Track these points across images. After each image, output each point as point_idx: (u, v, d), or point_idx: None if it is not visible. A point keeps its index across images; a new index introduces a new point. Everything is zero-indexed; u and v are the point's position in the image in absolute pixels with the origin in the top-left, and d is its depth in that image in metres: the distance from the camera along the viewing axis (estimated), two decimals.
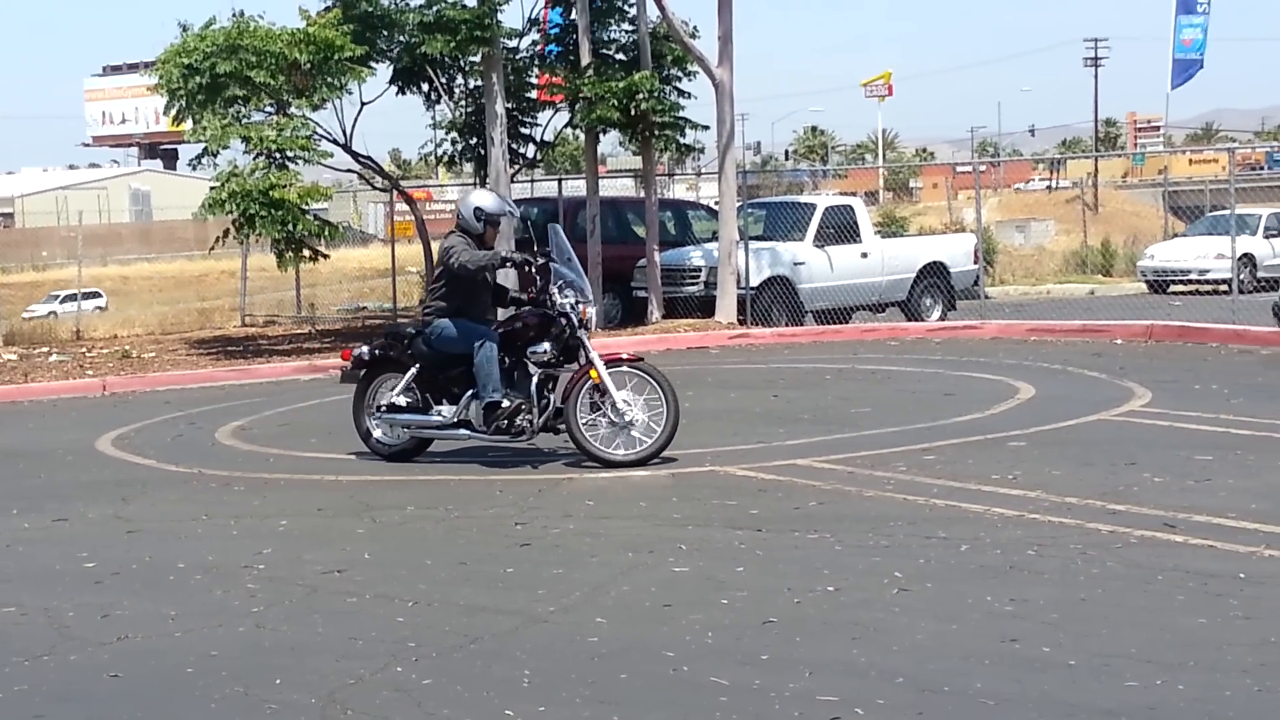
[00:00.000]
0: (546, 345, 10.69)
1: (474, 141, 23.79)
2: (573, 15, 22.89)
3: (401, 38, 22.23)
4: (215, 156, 21.24)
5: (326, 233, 21.34)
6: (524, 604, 6.88)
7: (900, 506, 8.75)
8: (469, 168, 25.36)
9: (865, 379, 15.49)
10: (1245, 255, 26.78)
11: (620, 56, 23.36)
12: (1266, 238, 29.47)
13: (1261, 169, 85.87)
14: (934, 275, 23.22)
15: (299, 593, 7.30)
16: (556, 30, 24.02)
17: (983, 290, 22.99)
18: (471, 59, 22.64)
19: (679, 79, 23.76)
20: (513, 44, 23.52)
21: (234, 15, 21.07)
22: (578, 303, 10.71)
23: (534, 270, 10.85)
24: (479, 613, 6.77)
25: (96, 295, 48.66)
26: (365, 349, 11.51)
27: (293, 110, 21.07)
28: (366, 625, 6.63)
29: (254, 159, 20.78)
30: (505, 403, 10.61)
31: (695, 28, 23.46)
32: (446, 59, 22.36)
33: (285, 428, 13.80)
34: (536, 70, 24.44)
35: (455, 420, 10.90)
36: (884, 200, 73.53)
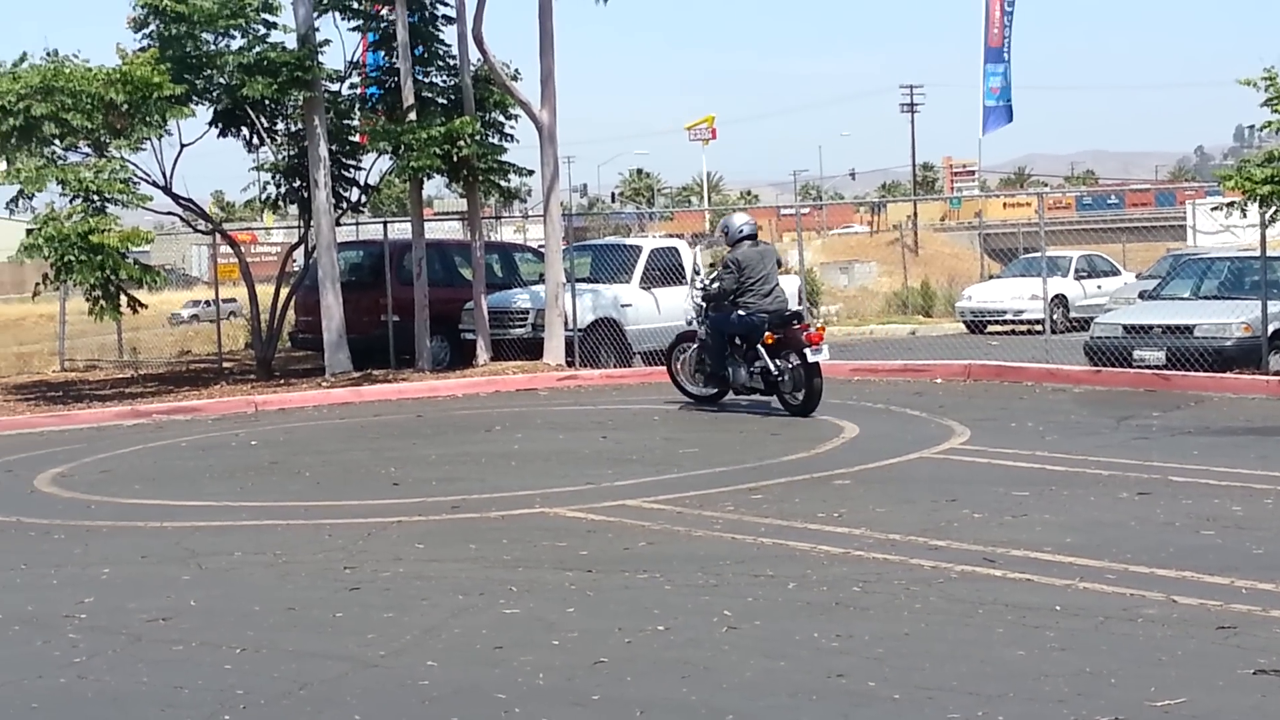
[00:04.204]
0: None
1: (297, 184, 23.57)
2: (394, 59, 22.83)
3: (221, 79, 21.94)
4: (31, 199, 20.73)
5: (148, 278, 20.91)
6: (354, 649, 6.84)
7: (728, 545, 8.86)
8: (294, 210, 25.11)
9: (693, 419, 15.64)
10: (1058, 296, 27.57)
11: (442, 100, 23.33)
12: (1077, 279, 30.33)
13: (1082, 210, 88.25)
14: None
15: (122, 642, 7.17)
16: (377, 73, 23.94)
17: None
18: (293, 102, 22.45)
19: (501, 123, 23.80)
20: (335, 87, 23.38)
21: (47, 54, 20.63)
22: None
23: None
24: (308, 658, 6.72)
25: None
26: None
27: (111, 152, 20.67)
28: (192, 674, 6.54)
29: (71, 202, 20.32)
30: None
31: (517, 70, 23.54)
32: (268, 101, 22.13)
33: (107, 474, 13.52)
34: (359, 113, 24.31)
35: None
36: (711, 240, 74.18)
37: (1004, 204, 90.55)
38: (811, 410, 15.35)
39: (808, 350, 15.29)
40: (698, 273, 17.06)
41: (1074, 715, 5.55)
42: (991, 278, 35.02)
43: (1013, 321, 29.01)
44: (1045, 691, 5.84)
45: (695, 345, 16.66)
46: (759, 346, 15.68)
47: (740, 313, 15.85)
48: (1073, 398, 16.37)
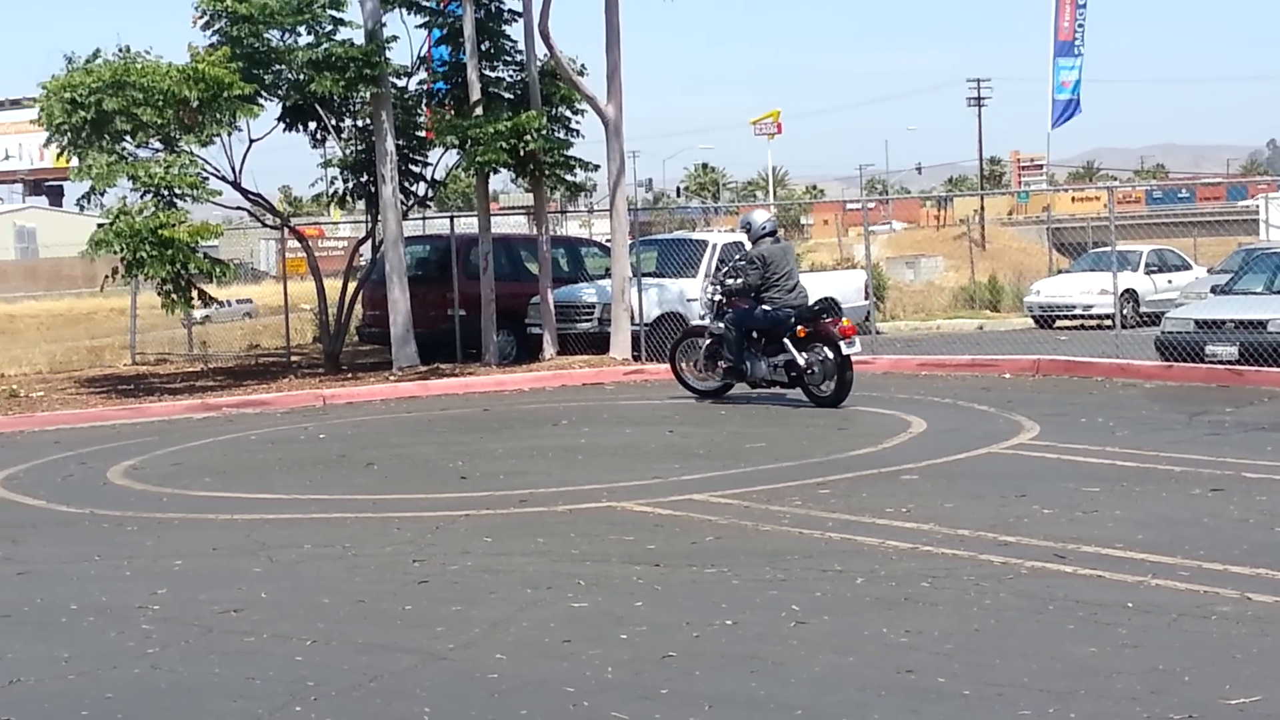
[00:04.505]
0: None
1: (364, 179, 23.71)
2: (460, 54, 22.91)
3: (290, 75, 22.09)
4: (102, 195, 20.94)
5: (217, 271, 21.09)
6: (423, 641, 6.87)
7: (796, 540, 8.84)
8: (361, 205, 25.25)
9: (759, 414, 15.61)
10: (1127, 291, 27.28)
11: (508, 95, 23.40)
12: (1147, 273, 30.02)
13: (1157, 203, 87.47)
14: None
15: (195, 633, 7.24)
16: (444, 69, 24.03)
17: (874, 325, 23.24)
18: (360, 98, 22.57)
19: (568, 117, 23.85)
20: (401, 83, 23.48)
21: (119, 50, 20.84)
22: None
23: None
24: (378, 651, 6.75)
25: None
26: None
27: (181, 147, 20.85)
28: (264, 665, 6.59)
29: (141, 197, 20.52)
30: None
31: (583, 65, 23.58)
32: (335, 97, 22.27)
33: (178, 467, 13.65)
34: (425, 108, 24.41)
35: None
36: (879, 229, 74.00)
37: (1072, 198, 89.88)
38: (841, 401, 15.67)
39: (842, 343, 15.66)
40: (720, 268, 17.13)
41: (1147, 713, 5.50)
42: (1060, 272, 34.74)
43: (1082, 316, 28.77)
44: (1117, 689, 5.79)
45: (708, 341, 16.80)
46: (785, 340, 15.91)
47: (765, 308, 16.14)
48: (1143, 393, 16.22)
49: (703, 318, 17.07)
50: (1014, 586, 7.46)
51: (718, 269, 17.09)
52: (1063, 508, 9.51)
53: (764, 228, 16.41)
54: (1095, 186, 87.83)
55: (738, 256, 17.45)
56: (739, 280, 16.38)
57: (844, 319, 16.34)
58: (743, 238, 17.75)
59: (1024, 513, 9.39)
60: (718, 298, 16.75)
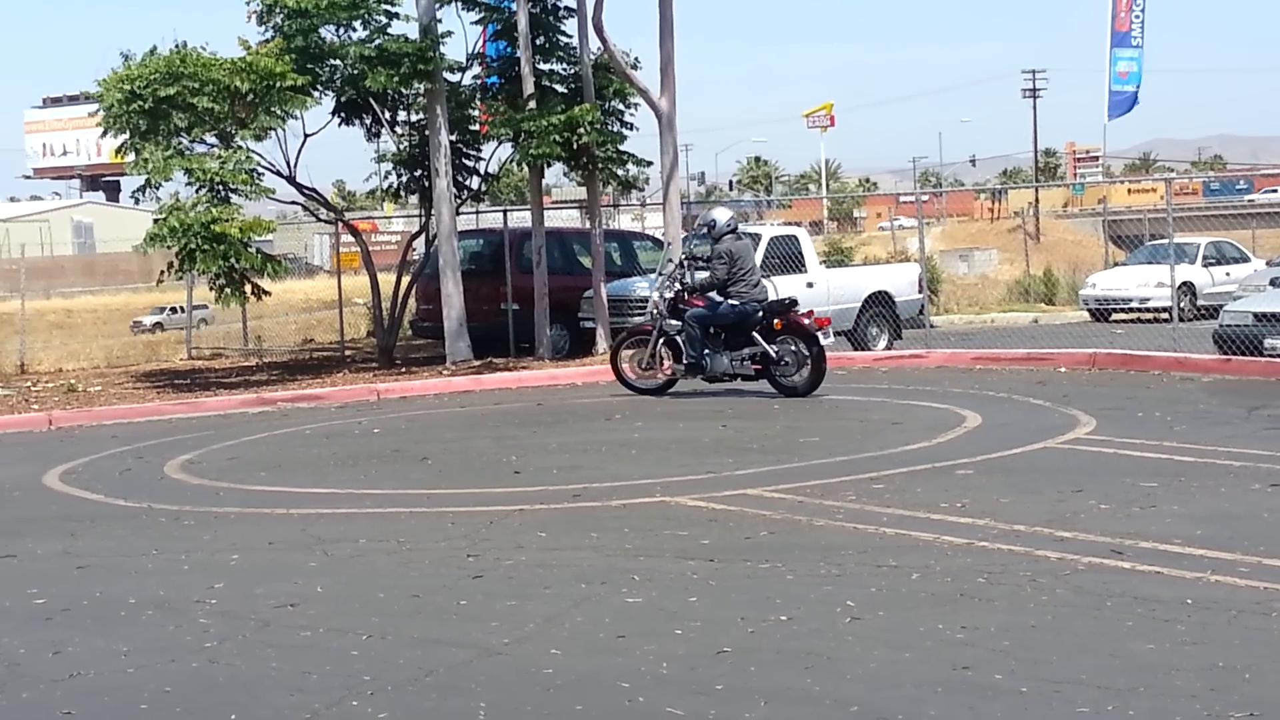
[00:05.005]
0: None
1: (418, 173, 23.79)
2: (514, 49, 22.95)
3: (344, 70, 22.20)
4: (158, 189, 21.10)
5: (270, 267, 21.22)
6: (478, 636, 6.88)
7: (851, 535, 8.81)
8: (414, 199, 25.35)
9: (813, 408, 15.56)
10: (1185, 284, 27.08)
11: (562, 89, 23.43)
12: (1205, 266, 29.81)
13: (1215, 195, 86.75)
14: (879, 305, 23.37)
15: (252, 627, 7.28)
16: (498, 63, 24.09)
17: (928, 319, 23.16)
18: (414, 92, 22.65)
19: (621, 111, 23.86)
20: (455, 77, 23.55)
21: (175, 45, 21.00)
22: None
23: None
24: (433, 645, 6.77)
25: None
26: None
27: (236, 142, 20.99)
28: (320, 659, 6.62)
29: (196, 191, 20.67)
30: None
31: (636, 59, 23.59)
32: (389, 92, 22.35)
33: (234, 461, 13.74)
34: (479, 103, 24.48)
35: None
36: (828, 230, 73.88)
37: (1129, 190, 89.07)
38: (813, 391, 16.23)
39: (819, 334, 16.44)
40: (682, 266, 17.34)
41: (1207, 711, 5.45)
42: (1116, 265, 34.53)
43: (1138, 309, 28.60)
44: (1177, 686, 5.74)
45: (657, 339, 17.05)
46: (754, 333, 16.35)
47: (733, 302, 16.54)
48: (1201, 387, 16.07)
49: (664, 316, 17.08)
50: (1071, 583, 7.41)
51: (677, 268, 17.21)
52: (1120, 503, 9.44)
53: (728, 225, 16.82)
54: (1152, 178, 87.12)
55: (683, 256, 17.88)
56: (706, 276, 16.72)
57: (813, 312, 16.96)
58: (701, 238, 18.21)
59: (1080, 508, 9.33)
60: (669, 295, 17.02)
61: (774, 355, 16.27)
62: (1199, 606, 6.86)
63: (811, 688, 5.91)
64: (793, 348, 16.32)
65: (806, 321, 16.36)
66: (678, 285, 16.97)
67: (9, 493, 12.36)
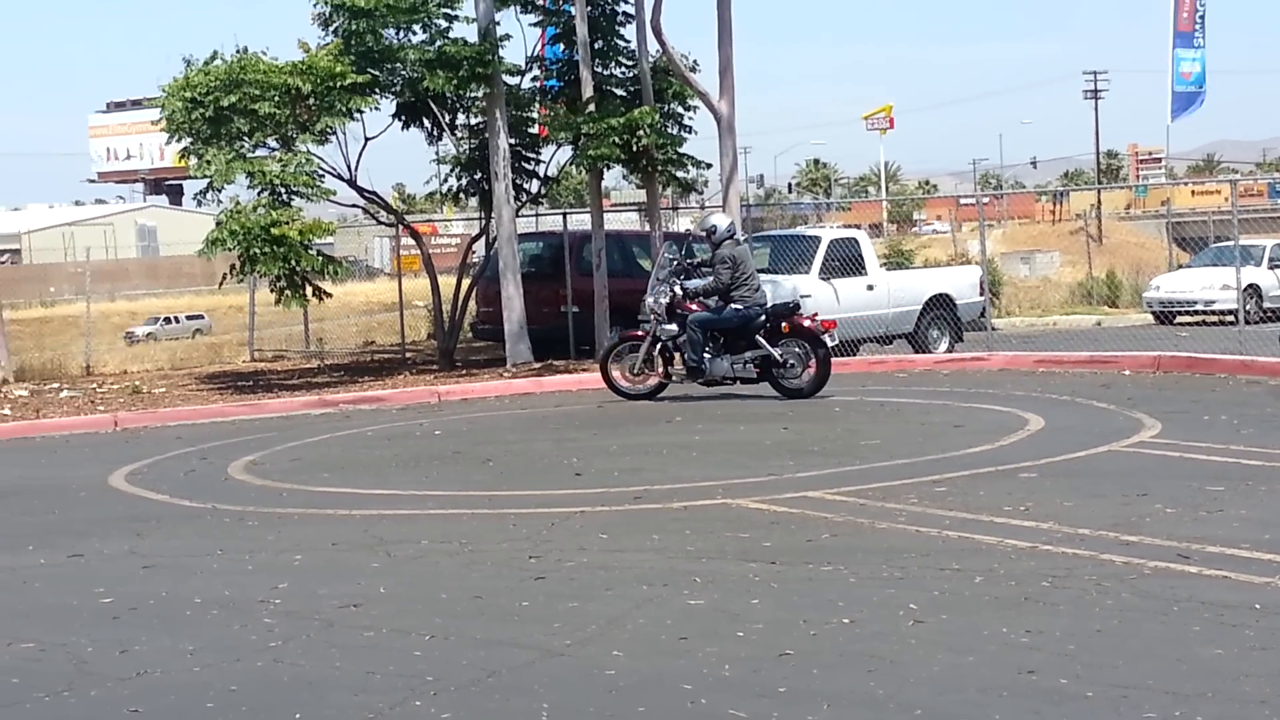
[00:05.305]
0: None
1: (477, 176, 23.88)
2: (573, 52, 22.99)
3: (403, 73, 22.32)
4: (219, 192, 21.27)
5: (330, 269, 21.35)
6: (540, 637, 6.90)
7: (913, 538, 8.77)
8: (474, 202, 25.44)
9: (874, 411, 15.52)
10: (1250, 286, 26.83)
11: (621, 92, 23.45)
12: (1271, 268, 29.49)
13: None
14: (940, 307, 23.25)
15: (315, 627, 7.32)
16: (557, 66, 24.14)
17: (989, 322, 23.03)
18: (474, 95, 22.73)
19: (680, 113, 23.87)
20: (514, 81, 23.61)
21: (237, 50, 21.17)
22: None
23: None
24: (496, 646, 6.79)
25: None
26: None
27: (297, 145, 21.13)
28: (384, 659, 6.65)
29: (258, 195, 20.81)
30: None
31: (695, 61, 23.61)
32: (449, 95, 22.44)
33: (297, 462, 13.83)
34: (538, 106, 24.54)
35: None
36: (888, 232, 73.63)
37: (1192, 191, 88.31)
38: (817, 392, 16.53)
39: (825, 337, 16.65)
40: (681, 269, 17.41)
41: (1276, 717, 5.39)
42: (1180, 267, 34.22)
43: (1203, 312, 28.35)
44: (1245, 692, 5.68)
45: (658, 344, 17.15)
46: (758, 336, 16.57)
47: (737, 307, 16.71)
48: (1268, 390, 15.90)
49: (648, 321, 17.09)
50: (1137, 587, 7.34)
51: (672, 273, 17.22)
52: (1186, 507, 9.35)
53: (728, 231, 17.03)
54: (1217, 180, 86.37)
55: (681, 259, 17.88)
56: (709, 281, 16.85)
57: (817, 314, 17.27)
58: (693, 242, 18.41)
59: (1146, 512, 9.25)
60: (665, 300, 17.06)
61: (778, 358, 16.55)
62: (1268, 611, 6.79)
63: (875, 691, 5.89)
64: (797, 350, 16.64)
65: (812, 324, 16.62)
66: (674, 291, 17.06)
67: (76, 493, 12.49)
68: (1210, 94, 47.75)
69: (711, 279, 16.81)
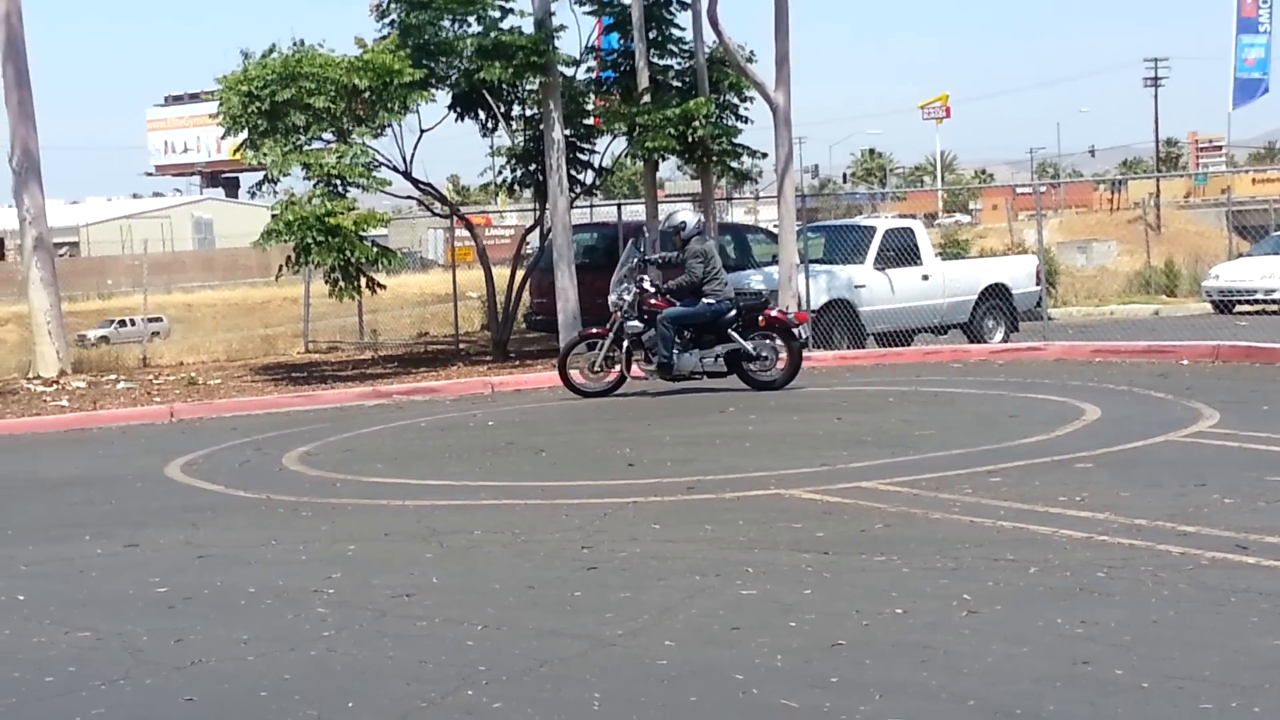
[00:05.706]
0: None
1: (532, 168, 23.90)
2: (629, 42, 22.97)
3: (459, 63, 22.36)
4: (275, 183, 21.37)
5: (384, 260, 21.42)
6: (592, 627, 6.89)
7: (967, 529, 8.72)
8: (528, 193, 25.47)
9: (928, 401, 15.44)
10: None
11: (676, 83, 23.42)
12: None
13: None
14: (996, 297, 23.13)
15: (368, 617, 7.34)
16: (612, 57, 24.12)
17: (1045, 311, 22.87)
18: (529, 86, 22.75)
19: (736, 104, 23.80)
20: (569, 72, 23.63)
21: (294, 43, 21.27)
22: None
23: None
24: (548, 636, 6.79)
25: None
26: None
27: (353, 138, 21.21)
28: (436, 649, 6.67)
29: (313, 186, 20.90)
30: None
31: (752, 52, 23.51)
32: (504, 86, 22.46)
33: (350, 453, 13.89)
34: (593, 97, 24.53)
35: None
36: (945, 222, 73.25)
37: (1253, 180, 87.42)
38: (789, 384, 16.68)
39: (798, 329, 17.04)
40: (642, 266, 17.40)
41: None
42: (1240, 256, 33.86)
43: (1263, 301, 28.02)
44: None
45: (612, 341, 17.09)
46: (730, 330, 16.66)
47: (709, 301, 16.78)
48: None
49: (624, 318, 16.97)
50: (1194, 578, 7.27)
51: (632, 270, 17.15)
52: (1244, 497, 9.25)
53: (697, 228, 17.18)
54: (1278, 167, 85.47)
55: (642, 256, 17.71)
56: (684, 277, 16.88)
57: (788, 308, 17.73)
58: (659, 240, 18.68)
59: (1204, 502, 9.15)
60: (628, 297, 17.00)
61: (751, 351, 16.66)
62: None
63: (928, 681, 5.85)
64: (769, 342, 16.82)
65: (784, 317, 16.90)
66: (637, 287, 17.03)
67: (132, 484, 12.59)
68: (1274, 81, 47.23)
69: (686, 275, 16.82)
